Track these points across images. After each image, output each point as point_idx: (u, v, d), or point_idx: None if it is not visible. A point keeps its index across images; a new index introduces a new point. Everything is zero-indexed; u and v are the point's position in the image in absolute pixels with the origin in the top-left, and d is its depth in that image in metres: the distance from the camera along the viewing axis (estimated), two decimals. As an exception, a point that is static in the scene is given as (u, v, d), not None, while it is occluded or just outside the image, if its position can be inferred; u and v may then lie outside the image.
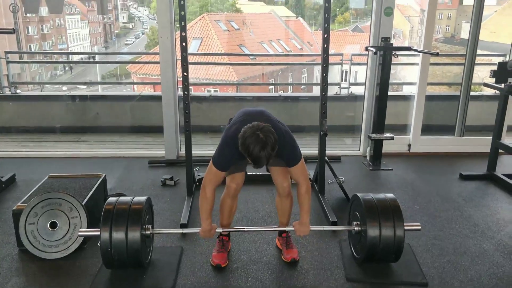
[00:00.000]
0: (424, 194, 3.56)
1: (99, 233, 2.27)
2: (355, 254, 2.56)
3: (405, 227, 2.35)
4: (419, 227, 2.46)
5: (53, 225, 2.59)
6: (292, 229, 2.43)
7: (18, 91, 5.42)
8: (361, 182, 3.88)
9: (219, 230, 2.46)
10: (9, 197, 3.43)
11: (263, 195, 3.47)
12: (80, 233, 2.45)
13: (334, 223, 2.96)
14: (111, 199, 2.44)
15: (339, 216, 3.06)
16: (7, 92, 5.34)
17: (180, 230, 2.74)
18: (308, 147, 4.25)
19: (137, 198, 2.45)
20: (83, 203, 2.68)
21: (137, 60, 9.56)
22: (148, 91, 7.54)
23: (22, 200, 2.74)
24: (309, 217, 2.39)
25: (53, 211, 2.60)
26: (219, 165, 2.25)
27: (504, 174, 3.75)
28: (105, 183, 3.28)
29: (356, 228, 2.48)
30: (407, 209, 3.27)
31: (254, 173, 3.60)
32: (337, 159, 4.33)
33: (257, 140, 1.99)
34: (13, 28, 3.53)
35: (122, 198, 2.46)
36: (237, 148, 2.10)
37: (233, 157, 2.21)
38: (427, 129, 4.56)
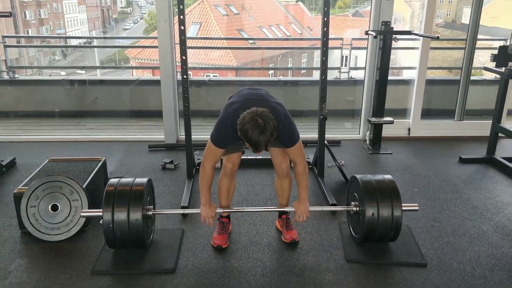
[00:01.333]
0: (423, 177, 3.58)
1: (101, 213, 2.29)
2: (353, 234, 2.59)
3: (403, 207, 2.38)
4: (417, 207, 2.51)
5: (54, 207, 2.60)
6: (292, 209, 2.45)
7: (16, 75, 5.39)
8: (360, 165, 3.89)
9: (219, 210, 2.49)
10: (9, 180, 3.44)
11: (263, 178, 3.48)
12: (82, 214, 2.47)
13: (333, 206, 2.98)
14: (113, 180, 2.46)
15: (338, 198, 3.07)
16: (5, 76, 5.31)
17: (181, 211, 2.76)
18: (307, 131, 4.25)
19: (138, 179, 2.46)
20: (84, 186, 2.69)
21: (135, 45, 9.48)
22: (147, 75, 7.51)
23: (23, 184, 2.75)
24: (307, 196, 2.42)
25: (54, 194, 2.61)
26: (217, 142, 2.28)
27: (503, 158, 3.77)
28: (105, 167, 3.28)
29: (354, 209, 2.50)
30: (407, 192, 3.29)
31: (254, 157, 3.62)
32: (336, 143, 4.33)
33: (255, 125, 2.01)
34: (10, 12, 3.51)
35: (123, 180, 2.47)
36: (234, 129, 2.13)
37: (230, 135, 2.23)
38: (427, 113, 4.57)
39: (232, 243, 2.58)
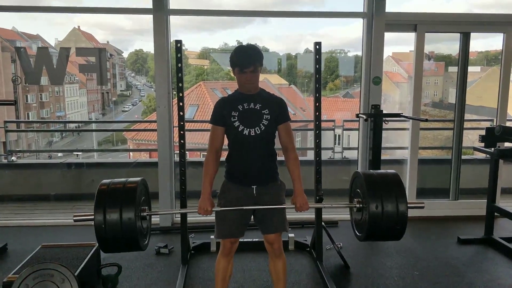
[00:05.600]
0: (423, 259, 3.50)
1: (93, 216, 2.23)
2: (357, 233, 2.47)
3: (408, 204, 2.26)
4: (423, 205, 2.38)
5: (44, 298, 2.50)
6: (292, 206, 2.40)
7: (13, 158, 5.45)
8: (359, 247, 3.81)
9: (216, 209, 2.42)
10: (-1, 268, 3.34)
11: (261, 263, 3.40)
12: (74, 218, 2.38)
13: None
14: (105, 180, 2.39)
15: (338, 283, 2.98)
16: (3, 160, 5.37)
17: (178, 211, 2.65)
18: (304, 212, 4.22)
19: (131, 179, 2.40)
20: (76, 274, 2.62)
21: (132, 128, 9.73)
22: (144, 157, 7.60)
23: (13, 272, 2.67)
24: (302, 187, 2.42)
25: (44, 282, 2.52)
26: (214, 120, 2.40)
27: (502, 238, 3.73)
28: (98, 252, 3.21)
29: (358, 205, 2.40)
30: (407, 275, 3.20)
31: (251, 240, 3.56)
32: (334, 223, 4.30)
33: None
34: (15, 100, 3.66)
35: (116, 180, 2.41)
36: (226, 101, 2.42)
37: (225, 107, 2.39)
38: (422, 193, 4.58)
39: (229, 335, 2.46)
